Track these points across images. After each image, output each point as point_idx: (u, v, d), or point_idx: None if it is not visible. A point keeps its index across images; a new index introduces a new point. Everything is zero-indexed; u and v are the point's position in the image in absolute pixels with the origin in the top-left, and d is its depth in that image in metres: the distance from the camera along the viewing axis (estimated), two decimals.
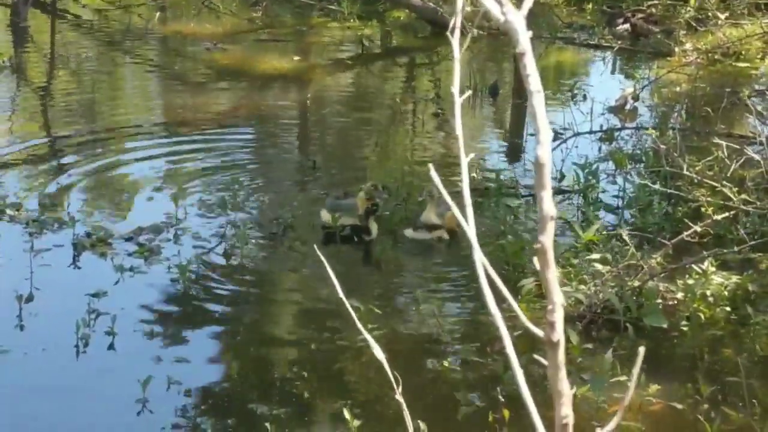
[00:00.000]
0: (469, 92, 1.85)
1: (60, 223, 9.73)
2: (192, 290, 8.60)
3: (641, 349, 1.77)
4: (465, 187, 1.76)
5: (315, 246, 4.62)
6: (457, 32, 1.85)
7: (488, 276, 1.73)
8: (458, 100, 1.83)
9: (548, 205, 1.70)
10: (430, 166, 1.91)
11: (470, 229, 1.73)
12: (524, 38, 1.76)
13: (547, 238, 1.70)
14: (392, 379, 3.02)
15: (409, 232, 9.82)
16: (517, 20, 1.77)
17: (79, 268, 9.04)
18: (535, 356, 1.88)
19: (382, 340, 7.58)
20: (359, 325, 3.07)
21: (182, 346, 7.80)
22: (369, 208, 9.72)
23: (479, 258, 1.69)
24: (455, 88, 1.84)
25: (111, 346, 7.68)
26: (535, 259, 1.72)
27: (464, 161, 1.78)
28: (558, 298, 1.72)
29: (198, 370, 7.48)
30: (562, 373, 1.73)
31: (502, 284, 1.77)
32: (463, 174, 1.77)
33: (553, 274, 1.72)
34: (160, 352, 7.69)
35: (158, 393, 7.02)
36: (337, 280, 3.03)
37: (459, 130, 1.81)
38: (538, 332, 1.74)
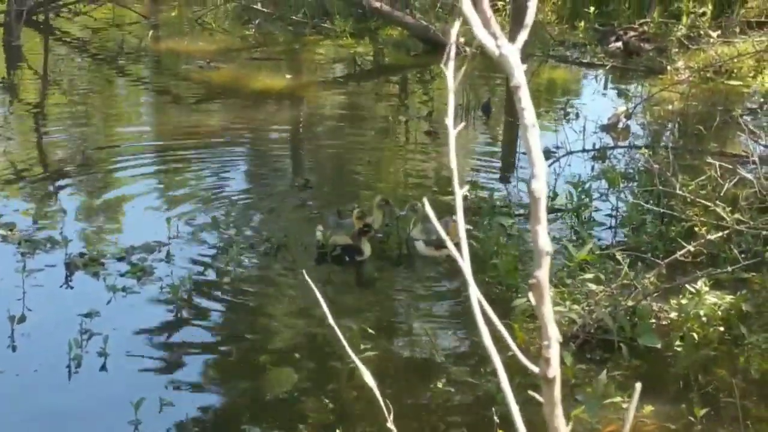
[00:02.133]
0: (461, 125, 1.83)
1: (52, 243, 9.71)
2: (184, 311, 8.57)
3: (638, 385, 1.75)
4: (460, 221, 1.75)
5: (303, 271, 4.58)
6: (452, 64, 1.84)
7: (483, 310, 1.72)
8: (452, 132, 1.82)
9: (544, 240, 1.69)
10: (425, 200, 1.90)
11: (465, 265, 1.72)
12: (519, 72, 1.75)
13: (543, 273, 1.69)
14: (383, 407, 3.01)
15: (420, 246, 9.80)
16: (512, 54, 1.76)
17: (71, 288, 9.01)
18: (530, 392, 1.87)
19: (375, 361, 7.57)
20: (350, 352, 3.06)
21: (174, 367, 7.76)
22: (361, 228, 9.70)
23: (474, 293, 1.67)
24: (450, 121, 1.83)
25: (103, 367, 7.65)
26: (530, 294, 1.71)
27: (459, 195, 1.77)
28: (554, 334, 1.70)
29: (191, 391, 7.45)
30: (558, 410, 1.71)
31: (498, 320, 1.76)
32: (458, 208, 1.76)
33: (549, 309, 1.71)
34: (153, 373, 7.67)
35: (151, 415, 6.98)
36: (329, 300, 3.04)
37: (454, 163, 1.80)
38: (534, 368, 1.73)
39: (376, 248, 9.89)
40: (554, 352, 1.70)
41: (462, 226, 1.85)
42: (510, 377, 2.00)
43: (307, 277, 3.86)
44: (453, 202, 1.96)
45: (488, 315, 1.76)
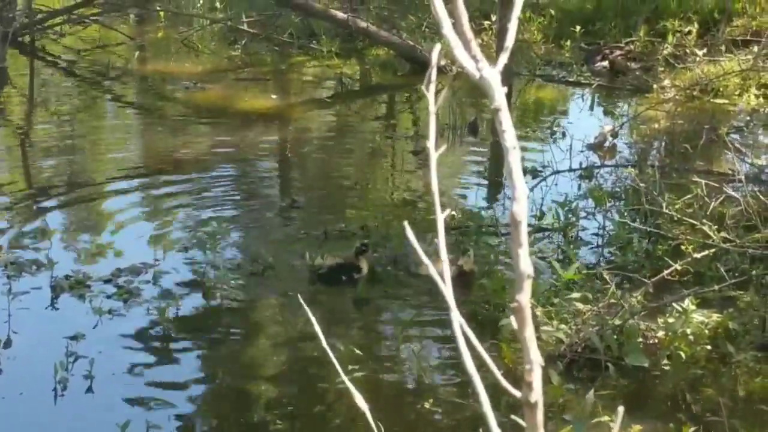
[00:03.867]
0: (443, 147, 1.83)
1: (38, 265, 9.67)
2: (171, 332, 8.54)
3: (620, 409, 1.75)
4: (441, 244, 1.74)
5: (299, 295, 4.55)
6: (432, 87, 1.84)
7: (466, 335, 1.71)
8: (434, 155, 1.82)
9: (525, 263, 1.68)
10: (405, 223, 1.89)
11: (447, 289, 1.71)
12: (499, 94, 1.74)
13: (524, 297, 1.68)
14: (374, 429, 3.00)
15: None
16: (493, 76, 1.75)
17: (57, 310, 8.97)
18: (513, 417, 1.85)
19: (363, 381, 7.55)
20: (342, 374, 3.05)
21: (161, 389, 7.73)
22: (359, 247, 9.68)
23: (456, 319, 1.67)
24: (431, 143, 1.82)
25: (89, 390, 7.61)
26: (512, 318, 1.70)
27: (440, 218, 1.76)
28: (536, 358, 1.70)
29: (177, 413, 7.42)
30: None
31: (480, 345, 1.75)
32: (440, 231, 1.76)
33: (531, 333, 1.70)
34: (139, 395, 7.63)
35: None
36: (319, 321, 3.02)
37: (435, 186, 1.79)
38: (516, 393, 1.72)
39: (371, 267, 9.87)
40: (536, 376, 1.69)
41: (443, 248, 1.84)
42: (497, 397, 1.99)
43: (301, 300, 3.86)
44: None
45: (471, 339, 1.75)
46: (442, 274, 1.78)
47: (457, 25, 1.80)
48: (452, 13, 1.83)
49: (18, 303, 8.89)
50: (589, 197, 11.69)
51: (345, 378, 2.95)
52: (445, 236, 1.87)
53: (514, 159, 1.70)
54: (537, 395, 1.69)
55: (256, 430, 7.27)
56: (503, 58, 1.78)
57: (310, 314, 3.08)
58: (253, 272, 9.81)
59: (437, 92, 2.10)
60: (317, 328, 2.96)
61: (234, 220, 11.44)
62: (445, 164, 14.06)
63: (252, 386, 7.99)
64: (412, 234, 1.82)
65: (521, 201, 1.71)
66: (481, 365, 1.84)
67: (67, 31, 22.78)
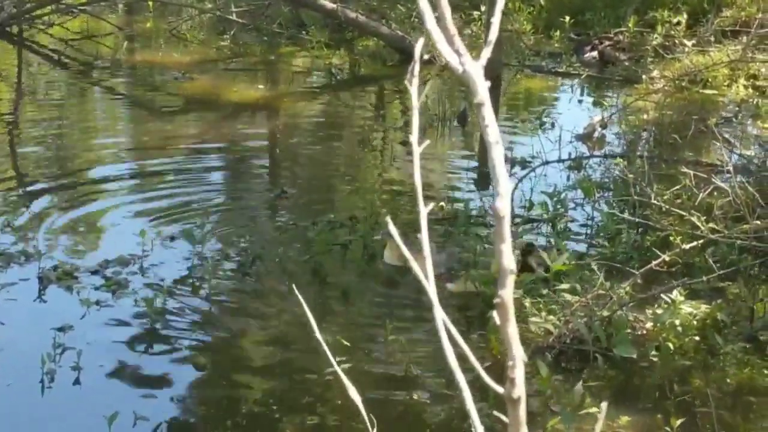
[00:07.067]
0: (427, 142, 1.82)
1: (26, 256, 9.64)
2: (159, 324, 8.51)
3: (603, 405, 1.74)
4: (424, 240, 1.73)
5: (294, 286, 4.52)
6: (416, 80, 1.83)
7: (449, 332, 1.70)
8: (417, 150, 1.80)
9: (508, 259, 1.67)
10: (388, 219, 1.88)
11: (430, 286, 1.70)
12: (482, 89, 1.73)
13: (507, 293, 1.68)
14: (367, 421, 2.99)
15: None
16: (475, 71, 1.74)
17: (44, 302, 8.95)
18: (496, 413, 1.85)
19: (350, 373, 7.53)
20: (335, 366, 3.04)
21: (149, 381, 7.72)
22: (525, 248, 9.45)
23: (439, 315, 1.66)
24: (414, 138, 1.81)
25: (77, 381, 7.59)
26: (495, 314, 1.69)
27: (423, 212, 1.75)
28: (519, 354, 1.69)
29: (165, 405, 7.41)
30: (524, 431, 1.70)
31: (464, 343, 1.74)
32: (422, 227, 1.75)
33: (514, 328, 1.69)
34: (127, 387, 7.61)
35: (125, 429, 6.93)
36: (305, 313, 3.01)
37: (418, 181, 1.78)
38: (498, 389, 1.71)
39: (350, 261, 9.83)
40: (519, 372, 1.68)
41: (426, 243, 1.83)
42: (485, 389, 1.98)
43: (296, 291, 3.85)
44: (428, 215, 1.95)
45: (454, 335, 1.74)
46: (425, 270, 1.77)
47: (440, 20, 1.79)
48: (436, 7, 1.82)
49: (5, 294, 8.88)
50: (578, 188, 11.69)
51: (339, 370, 2.94)
52: (436, 227, 1.86)
53: (497, 154, 1.69)
54: (520, 391, 1.69)
55: (245, 420, 7.26)
56: (486, 52, 1.77)
57: (304, 304, 3.07)
58: (242, 263, 9.79)
59: (424, 82, 2.08)
60: (310, 317, 2.94)
61: (222, 211, 11.43)
62: (435, 154, 14.06)
63: (240, 377, 7.98)
64: (395, 230, 1.81)
65: (504, 196, 1.71)
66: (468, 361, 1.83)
67: (55, 21, 22.70)
